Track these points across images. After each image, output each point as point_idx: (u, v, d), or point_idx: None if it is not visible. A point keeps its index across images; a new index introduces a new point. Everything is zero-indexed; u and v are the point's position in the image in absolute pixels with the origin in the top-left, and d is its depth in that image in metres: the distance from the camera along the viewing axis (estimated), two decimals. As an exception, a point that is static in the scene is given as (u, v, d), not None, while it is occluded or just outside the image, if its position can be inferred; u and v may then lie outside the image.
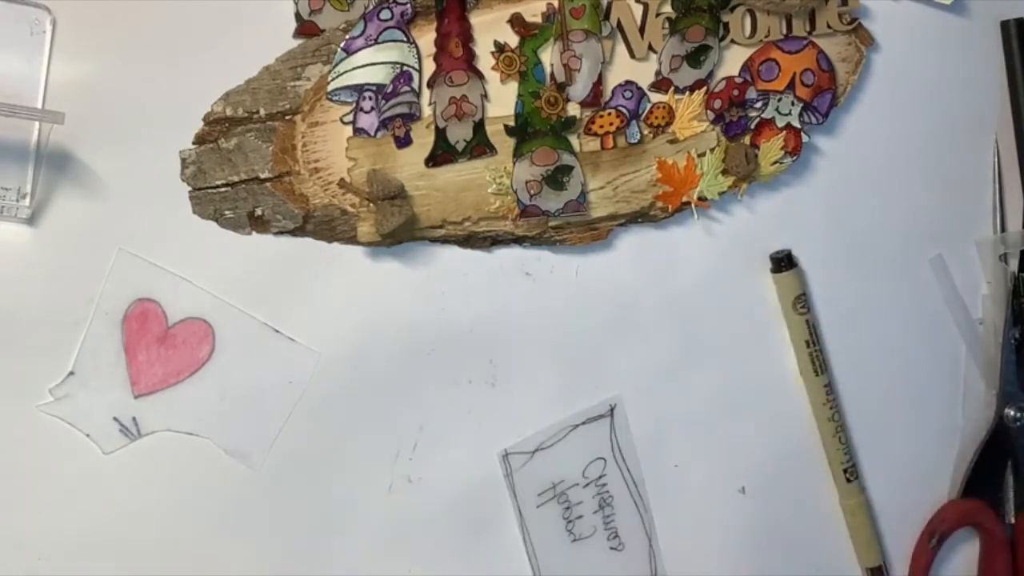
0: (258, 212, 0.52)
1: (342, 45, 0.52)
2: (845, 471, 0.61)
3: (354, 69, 0.52)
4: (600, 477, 0.58)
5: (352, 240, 0.53)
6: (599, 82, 0.55)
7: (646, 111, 0.56)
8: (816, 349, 0.59)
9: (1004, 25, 0.61)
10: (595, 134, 0.56)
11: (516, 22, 0.54)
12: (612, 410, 0.58)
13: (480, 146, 0.54)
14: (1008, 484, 0.64)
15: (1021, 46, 0.61)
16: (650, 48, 0.55)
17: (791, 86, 0.57)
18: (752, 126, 0.58)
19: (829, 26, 0.57)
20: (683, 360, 0.59)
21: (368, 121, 0.52)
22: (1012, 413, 0.62)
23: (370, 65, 0.52)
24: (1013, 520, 0.64)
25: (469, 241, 0.55)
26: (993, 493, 0.63)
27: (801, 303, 0.59)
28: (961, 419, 0.64)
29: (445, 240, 0.55)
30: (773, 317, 0.60)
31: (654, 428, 0.59)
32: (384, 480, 0.55)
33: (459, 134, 0.54)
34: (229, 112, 0.51)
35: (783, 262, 0.59)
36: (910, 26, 0.60)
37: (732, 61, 0.57)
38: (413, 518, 0.56)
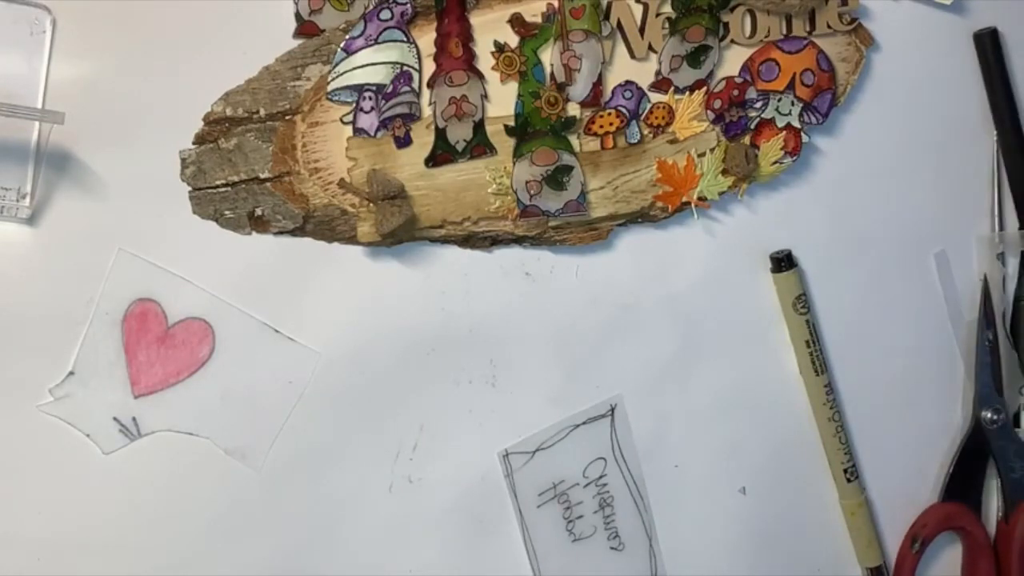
0: (258, 212, 0.52)
1: (342, 45, 0.52)
2: (845, 471, 0.61)
3: (354, 69, 0.52)
4: (600, 477, 0.58)
5: (352, 240, 0.53)
6: (599, 82, 0.55)
7: (646, 111, 0.56)
8: (816, 349, 0.59)
9: (977, 37, 0.61)
10: (595, 134, 0.56)
11: (516, 22, 0.54)
12: (612, 410, 0.58)
13: (480, 146, 0.54)
14: (992, 487, 0.64)
15: (996, 57, 0.61)
16: (650, 48, 0.55)
17: (791, 86, 0.57)
18: (752, 126, 0.58)
19: (829, 26, 0.57)
20: (683, 360, 0.59)
21: (368, 121, 0.52)
22: (988, 415, 0.62)
23: (370, 65, 0.52)
24: (996, 523, 0.64)
25: (469, 241, 0.55)
26: (975, 496, 0.63)
27: (801, 303, 0.59)
28: (960, 419, 0.64)
29: (445, 240, 0.55)
30: (773, 317, 0.60)
31: (654, 428, 0.59)
32: (384, 480, 0.55)
33: (459, 134, 0.54)
34: (229, 112, 0.51)
35: (783, 262, 0.59)
36: (910, 26, 0.60)
37: (732, 61, 0.57)
38: (413, 518, 0.56)
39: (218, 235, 0.52)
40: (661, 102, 0.56)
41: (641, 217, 0.57)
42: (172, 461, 0.52)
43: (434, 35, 0.53)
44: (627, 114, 0.56)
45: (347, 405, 0.54)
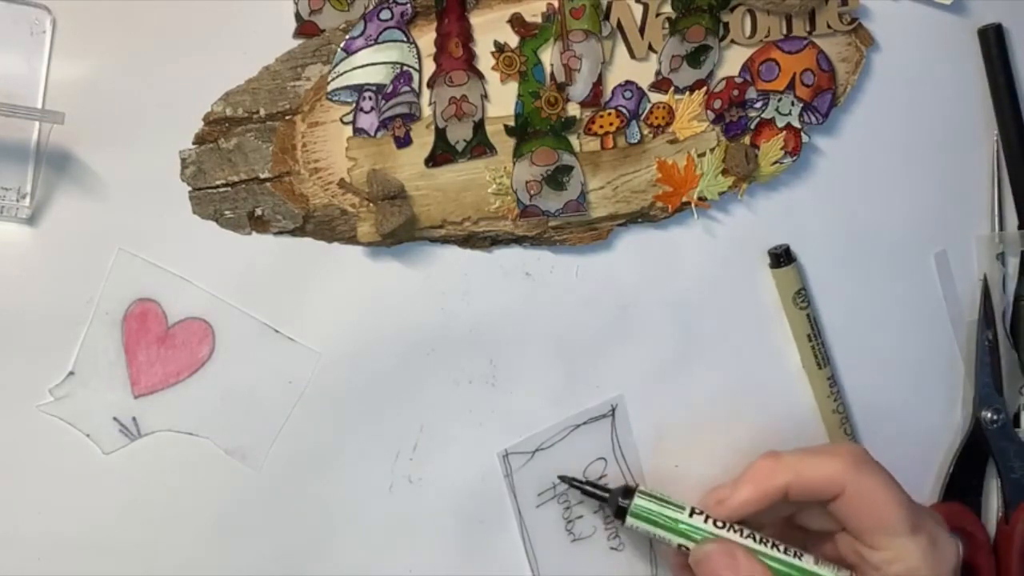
0: (258, 212, 0.52)
1: (342, 45, 0.52)
2: (850, 467, 0.61)
3: (354, 69, 0.52)
4: (601, 477, 0.58)
5: (352, 240, 0.53)
6: (599, 82, 0.55)
7: (646, 111, 0.56)
8: (818, 343, 0.59)
9: (982, 32, 0.61)
10: (595, 134, 0.56)
11: (516, 22, 0.54)
12: (613, 410, 0.58)
13: (480, 146, 0.54)
14: (992, 487, 0.64)
15: (1000, 52, 0.61)
16: (650, 48, 0.55)
17: (791, 86, 0.57)
18: (752, 126, 0.58)
19: (829, 26, 0.57)
20: (684, 360, 0.59)
21: (368, 121, 0.52)
22: (988, 415, 0.62)
23: (370, 65, 0.52)
24: (996, 523, 0.64)
25: (469, 241, 0.55)
26: (975, 496, 0.63)
27: (801, 297, 0.59)
28: (960, 419, 0.64)
29: (445, 240, 0.55)
30: (774, 316, 0.60)
31: (655, 428, 0.59)
32: (384, 480, 0.55)
33: (459, 134, 0.54)
34: (229, 112, 0.51)
35: (781, 257, 0.59)
36: (910, 26, 0.60)
37: (732, 61, 0.57)
38: (413, 518, 0.56)
39: (218, 235, 0.52)
40: (661, 102, 0.56)
41: (641, 217, 0.57)
42: (172, 461, 0.52)
43: (434, 35, 0.53)
44: (627, 114, 0.56)
45: (347, 405, 0.54)
